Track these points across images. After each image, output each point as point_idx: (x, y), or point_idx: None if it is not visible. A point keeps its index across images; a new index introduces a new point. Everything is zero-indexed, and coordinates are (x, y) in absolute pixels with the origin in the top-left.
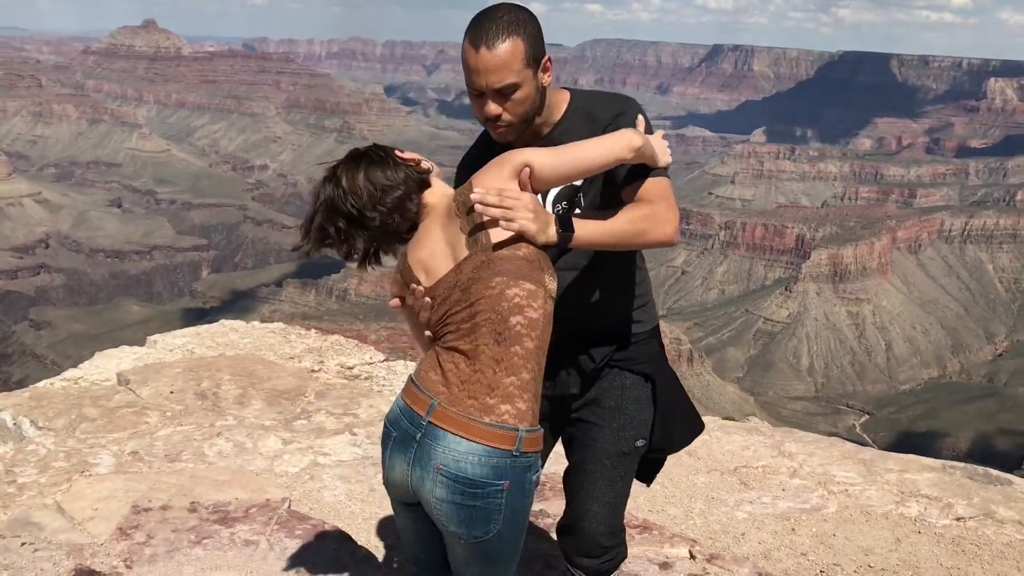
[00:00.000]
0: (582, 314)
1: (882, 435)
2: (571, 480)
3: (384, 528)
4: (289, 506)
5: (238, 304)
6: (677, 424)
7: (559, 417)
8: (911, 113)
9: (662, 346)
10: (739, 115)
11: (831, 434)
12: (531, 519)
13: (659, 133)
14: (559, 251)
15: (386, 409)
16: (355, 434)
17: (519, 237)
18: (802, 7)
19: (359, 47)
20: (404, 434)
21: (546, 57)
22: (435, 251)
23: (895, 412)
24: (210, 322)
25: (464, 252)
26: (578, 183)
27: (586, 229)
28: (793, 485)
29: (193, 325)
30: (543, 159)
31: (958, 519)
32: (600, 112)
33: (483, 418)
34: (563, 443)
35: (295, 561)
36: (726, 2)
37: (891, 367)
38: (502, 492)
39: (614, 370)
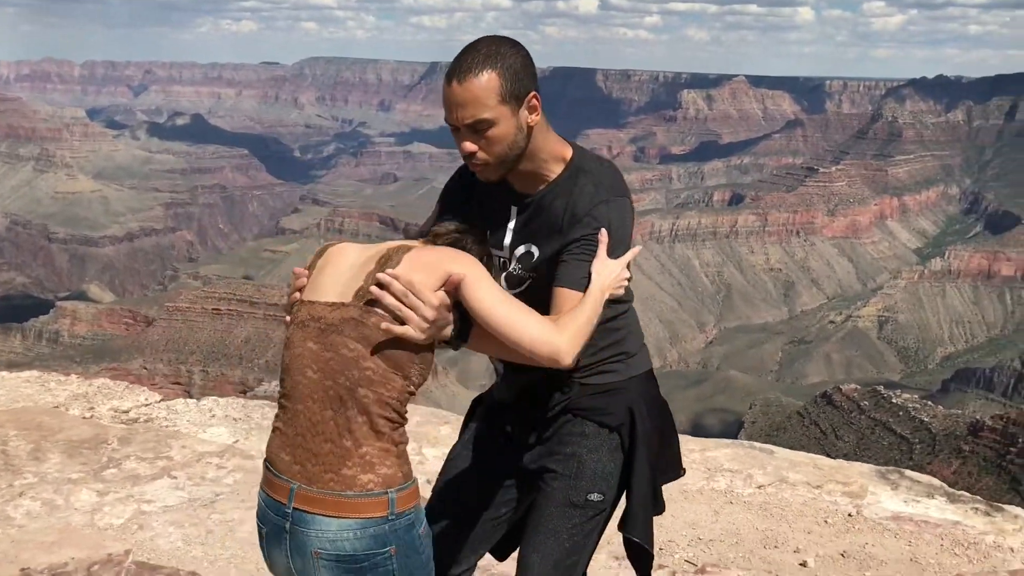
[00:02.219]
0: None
1: None
2: (524, 525)
3: (231, 567)
4: (132, 559)
5: None
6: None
7: (522, 467)
8: (617, 124)
9: (651, 400)
10: None
11: None
12: None
13: (629, 255)
14: (518, 281)
15: (200, 449)
16: (175, 477)
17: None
18: (511, 24)
19: (54, 68)
20: (273, 527)
21: (531, 94)
22: (342, 267)
23: None
24: None
25: (351, 293)
26: (535, 252)
27: (478, 343)
28: None
29: None
30: (480, 291)
31: (759, 487)
32: (578, 200)
33: (346, 491)
34: None
35: None
36: (440, 21)
37: None
38: (391, 559)
39: (577, 418)
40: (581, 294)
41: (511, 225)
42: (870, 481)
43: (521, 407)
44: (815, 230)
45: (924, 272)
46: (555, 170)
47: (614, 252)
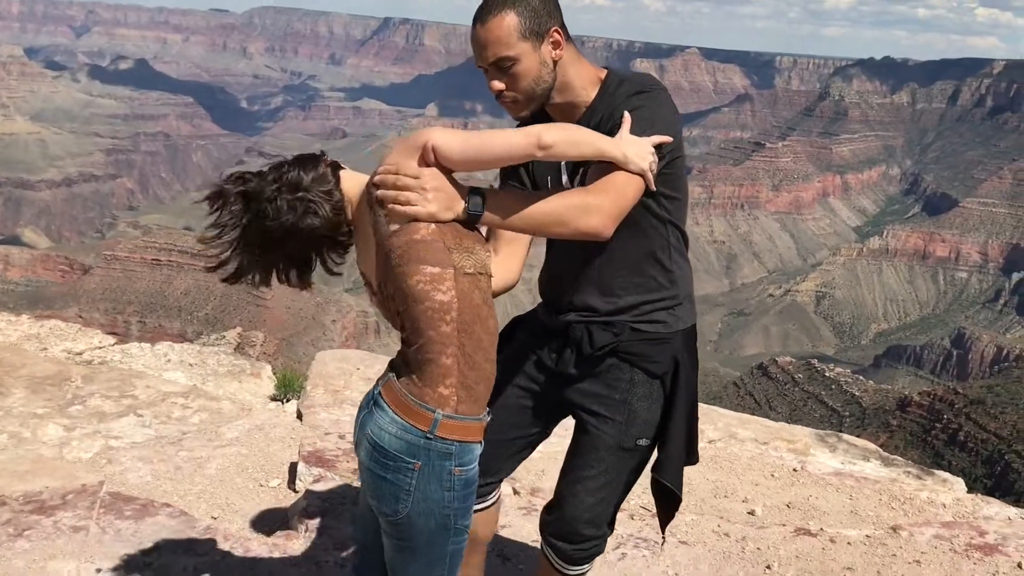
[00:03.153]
0: (588, 298)
1: None
2: (568, 462)
3: (201, 501)
4: (105, 489)
5: None
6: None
7: (559, 396)
8: None
9: (692, 354)
10: (413, 89)
11: None
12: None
13: (656, 138)
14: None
15: (164, 389)
16: (141, 415)
17: (415, 218)
18: None
19: None
20: (365, 402)
21: (552, 29)
22: (371, 258)
23: None
24: None
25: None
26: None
27: (499, 211)
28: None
29: None
30: (447, 141)
31: (710, 441)
32: (614, 101)
33: (409, 395)
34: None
35: (135, 540)
36: None
37: None
38: (412, 472)
39: (625, 364)
40: (622, 173)
41: (563, 163)
42: (811, 442)
43: (569, 338)
44: (759, 204)
45: (862, 250)
46: (593, 93)
47: (643, 133)
